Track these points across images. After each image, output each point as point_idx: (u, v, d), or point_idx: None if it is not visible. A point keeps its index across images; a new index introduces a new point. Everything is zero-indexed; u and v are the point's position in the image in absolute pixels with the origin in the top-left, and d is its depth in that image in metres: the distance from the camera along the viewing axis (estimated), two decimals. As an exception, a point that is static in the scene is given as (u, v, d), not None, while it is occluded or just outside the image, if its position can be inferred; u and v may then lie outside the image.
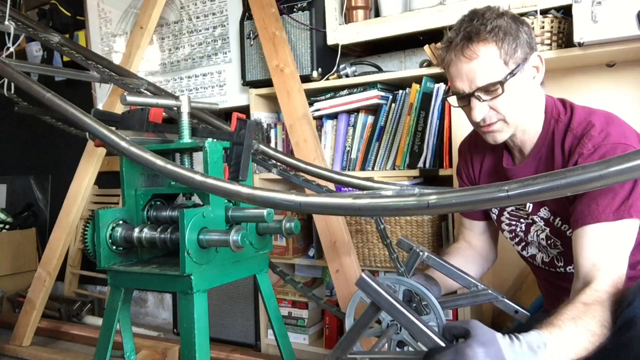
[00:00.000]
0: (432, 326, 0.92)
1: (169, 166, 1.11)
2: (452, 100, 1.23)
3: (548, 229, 1.24)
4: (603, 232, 1.05)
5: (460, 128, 1.81)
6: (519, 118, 1.16)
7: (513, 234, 1.34)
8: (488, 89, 1.12)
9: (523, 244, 1.34)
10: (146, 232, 1.27)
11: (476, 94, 1.13)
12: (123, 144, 1.17)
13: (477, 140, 1.37)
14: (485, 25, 1.10)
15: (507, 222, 1.33)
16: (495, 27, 1.10)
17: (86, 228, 1.27)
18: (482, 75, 1.11)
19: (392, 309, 0.88)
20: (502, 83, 1.10)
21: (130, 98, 1.29)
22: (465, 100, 1.16)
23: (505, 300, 1.11)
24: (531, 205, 1.24)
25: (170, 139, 1.42)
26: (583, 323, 0.94)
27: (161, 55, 2.73)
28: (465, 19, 1.14)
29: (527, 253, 1.34)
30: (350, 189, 1.75)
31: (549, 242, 1.26)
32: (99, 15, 2.97)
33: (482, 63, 1.10)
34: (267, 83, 2.22)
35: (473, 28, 1.11)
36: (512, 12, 1.16)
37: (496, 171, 1.33)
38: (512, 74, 1.10)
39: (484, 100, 1.13)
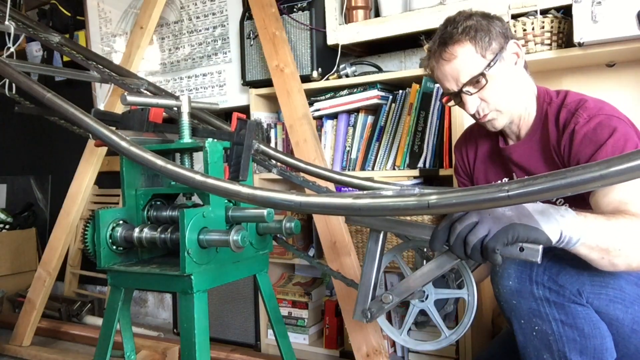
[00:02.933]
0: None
1: (169, 166, 1.10)
2: (444, 99, 1.31)
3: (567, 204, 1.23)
4: (627, 183, 1.04)
5: (460, 128, 1.81)
6: (509, 103, 1.23)
7: None
8: (473, 82, 1.20)
9: None
10: (146, 232, 1.27)
11: (464, 89, 1.21)
12: (123, 144, 1.17)
13: (470, 132, 1.46)
14: (457, 28, 1.19)
15: None
16: (467, 27, 1.19)
17: (86, 228, 1.27)
18: (464, 71, 1.19)
19: (382, 222, 0.95)
20: (483, 74, 1.18)
21: (131, 98, 1.29)
22: (457, 97, 1.25)
23: None
24: None
25: (170, 139, 1.42)
26: (616, 220, 0.95)
27: (161, 55, 2.73)
28: (440, 28, 1.24)
29: None
30: (350, 189, 1.75)
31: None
32: (99, 15, 2.97)
33: (461, 61, 1.19)
34: (267, 83, 2.22)
35: (446, 33, 1.20)
36: (482, 11, 1.24)
37: (492, 153, 1.38)
38: (490, 65, 1.18)
39: (473, 94, 1.21)
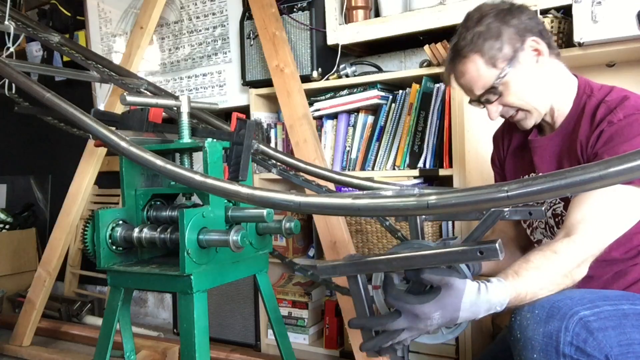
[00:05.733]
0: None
1: (169, 166, 1.10)
2: (473, 105, 1.29)
3: (563, 203, 1.22)
4: (602, 192, 1.02)
5: (461, 128, 1.81)
6: (536, 103, 1.20)
7: None
8: (489, 93, 1.18)
9: (531, 228, 1.34)
10: (146, 232, 1.27)
11: (482, 99, 1.20)
12: (123, 144, 1.17)
13: (509, 122, 1.39)
14: (465, 38, 1.16)
15: None
16: (474, 37, 1.15)
17: (86, 228, 1.27)
18: (476, 85, 1.19)
19: (353, 266, 0.96)
20: (495, 87, 1.16)
21: (130, 98, 1.29)
22: (481, 104, 1.23)
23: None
24: None
25: (170, 139, 1.42)
26: (546, 271, 0.99)
27: (161, 55, 2.73)
28: (456, 33, 1.20)
29: (534, 238, 1.34)
30: (350, 189, 1.75)
31: (556, 219, 1.25)
32: (99, 15, 2.97)
33: (472, 76, 1.18)
34: (267, 83, 2.22)
35: (457, 45, 1.18)
36: (501, 6, 1.17)
37: (522, 146, 1.35)
38: (500, 76, 1.15)
39: (493, 101, 1.20)
